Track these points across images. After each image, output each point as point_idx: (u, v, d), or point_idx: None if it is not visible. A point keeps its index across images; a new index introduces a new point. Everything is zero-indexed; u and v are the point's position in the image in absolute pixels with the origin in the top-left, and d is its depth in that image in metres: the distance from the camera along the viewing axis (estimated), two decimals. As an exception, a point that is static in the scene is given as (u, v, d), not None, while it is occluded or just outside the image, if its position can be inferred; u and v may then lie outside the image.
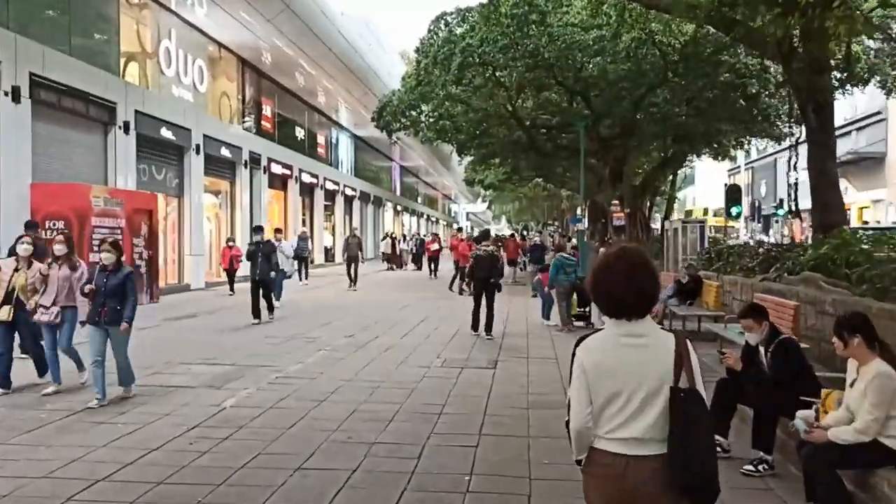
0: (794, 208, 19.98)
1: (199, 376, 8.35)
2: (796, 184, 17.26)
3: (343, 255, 22.21)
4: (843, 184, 42.44)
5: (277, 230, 16.14)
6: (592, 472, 2.60)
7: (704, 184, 74.04)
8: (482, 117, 26.22)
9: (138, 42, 19.55)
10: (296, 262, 24.74)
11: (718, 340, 9.96)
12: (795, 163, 18.53)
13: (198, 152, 21.50)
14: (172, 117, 20.03)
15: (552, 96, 26.60)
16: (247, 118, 26.74)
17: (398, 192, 57.87)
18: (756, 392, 5.39)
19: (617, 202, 47.87)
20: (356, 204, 42.40)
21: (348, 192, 40.08)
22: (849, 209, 45.51)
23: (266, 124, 28.66)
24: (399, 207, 56.98)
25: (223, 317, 14.66)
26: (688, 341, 2.57)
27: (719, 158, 38.99)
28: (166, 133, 19.69)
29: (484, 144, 28.84)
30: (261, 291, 13.66)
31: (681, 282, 13.32)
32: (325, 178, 35.21)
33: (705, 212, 59.36)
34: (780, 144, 29.04)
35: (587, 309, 13.78)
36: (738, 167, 62.02)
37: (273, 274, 14.11)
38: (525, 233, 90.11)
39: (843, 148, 45.02)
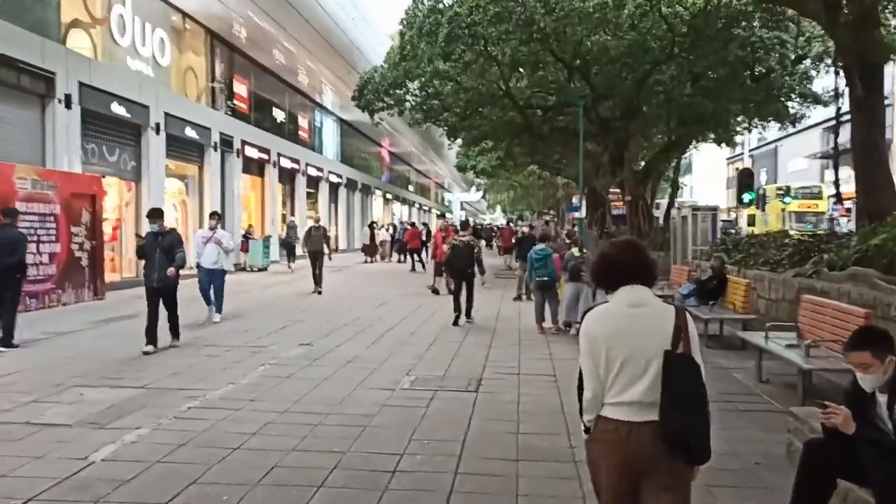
0: (836, 192, 18.00)
1: (86, 407, 6.37)
2: (836, 162, 15.22)
3: (304, 248, 18.47)
4: (848, 171, 40.95)
5: (213, 215, 13.11)
6: (598, 437, 2.73)
7: (702, 172, 72.19)
8: (473, 96, 24.18)
9: (84, 6, 17.45)
10: (286, 250, 25.74)
11: (758, 355, 8.01)
12: (836, 138, 16.49)
13: (157, 132, 19.46)
14: (126, 92, 17.97)
15: (548, 74, 24.58)
16: (217, 97, 24.63)
17: (388, 180, 55.77)
18: (880, 462, 3.42)
19: (617, 189, 45.99)
20: (342, 191, 40.35)
21: (333, 178, 38.02)
22: (853, 197, 44.12)
23: (240, 104, 26.58)
24: (389, 196, 54.91)
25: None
26: (687, 313, 2.75)
27: (723, 144, 37.14)
28: (119, 109, 17.64)
29: (475, 126, 26.79)
30: (162, 303, 9.46)
31: (701, 279, 11.36)
32: (307, 164, 33.15)
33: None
34: (794, 127, 26.94)
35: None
36: (741, 154, 60.22)
37: (172, 271, 9.32)
38: (519, 222, 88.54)
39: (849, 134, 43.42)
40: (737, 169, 29.46)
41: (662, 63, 22.55)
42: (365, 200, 45.54)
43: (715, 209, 19.61)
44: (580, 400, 2.80)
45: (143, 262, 9.75)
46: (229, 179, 24.65)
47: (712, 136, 31.38)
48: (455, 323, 11.94)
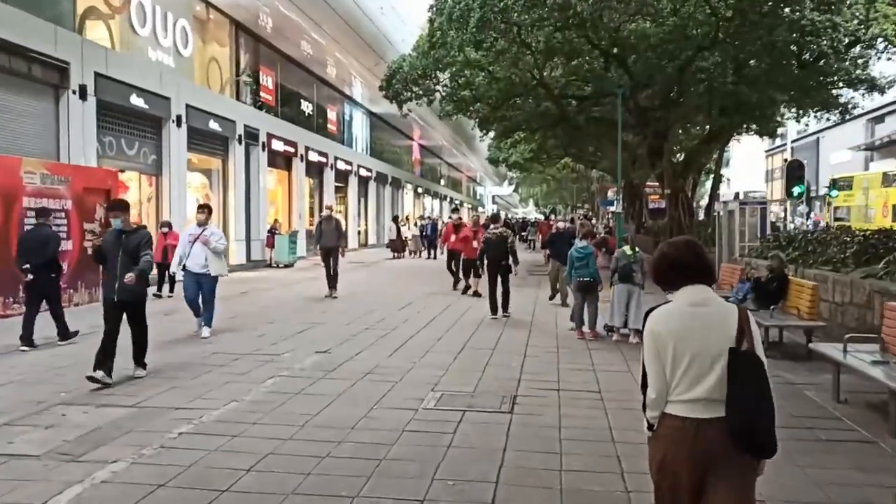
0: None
1: (64, 433, 5.58)
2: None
3: (315, 245, 16.63)
4: (893, 163, 38.74)
5: (202, 208, 10.66)
6: (665, 434, 2.76)
7: (740, 165, 70.07)
8: (505, 86, 23.14)
9: (101, -6, 16.84)
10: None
11: (835, 370, 6.96)
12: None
13: (178, 124, 18.81)
14: (146, 83, 17.33)
15: (584, 63, 23.46)
16: (242, 89, 23.95)
17: (419, 174, 54.93)
18: None
19: (655, 183, 44.60)
20: (372, 185, 39.61)
21: (363, 172, 37.28)
22: None
23: (266, 96, 25.90)
24: (420, 189, 54.08)
25: (176, 320, 11.94)
26: (748, 312, 2.79)
27: (764, 135, 35.64)
28: (138, 101, 17.01)
29: (507, 117, 25.75)
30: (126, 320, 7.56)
31: (760, 280, 10.28)
32: (335, 158, 32.42)
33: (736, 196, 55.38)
34: (847, 115, 25.44)
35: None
36: (781, 146, 58.20)
37: (131, 277, 7.18)
38: (553, 216, 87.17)
39: (894, 125, 41.47)
40: (785, 160, 27.86)
41: (705, 49, 21.32)
42: (395, 194, 44.79)
43: (764, 203, 18.43)
44: (644, 397, 2.88)
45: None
46: (255, 173, 23.99)
47: (755, 126, 30.05)
48: (493, 314, 12.24)
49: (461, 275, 16.19)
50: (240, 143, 22.49)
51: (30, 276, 9.29)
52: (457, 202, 72.60)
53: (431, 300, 14.80)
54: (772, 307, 9.66)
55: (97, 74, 15.41)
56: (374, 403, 6.59)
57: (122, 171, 17.39)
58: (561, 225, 14.64)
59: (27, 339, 9.14)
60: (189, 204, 20.92)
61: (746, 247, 17.59)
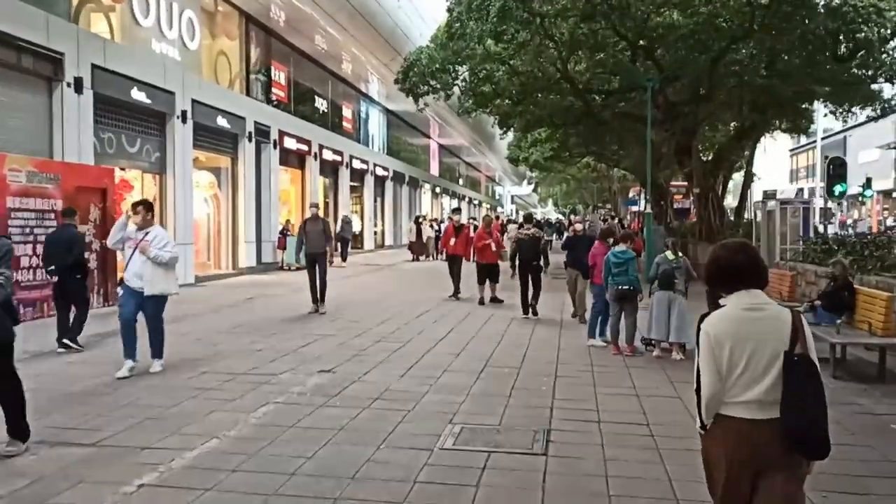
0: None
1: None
2: None
3: (298, 253, 14.10)
4: None
5: (138, 205, 8.07)
6: (718, 434, 2.81)
7: (763, 164, 68.20)
8: (528, 80, 22.01)
9: (100, -19, 15.94)
10: (339, 244, 25.53)
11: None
12: None
13: (184, 120, 17.87)
14: (148, 77, 16.40)
15: (609, 56, 22.26)
16: (252, 84, 23.01)
17: (437, 173, 53.90)
18: None
19: (682, 182, 43.13)
20: (389, 185, 38.61)
21: (379, 171, 36.28)
22: None
23: (278, 92, 24.94)
24: (438, 189, 53.03)
25: (171, 329, 10.96)
26: (802, 316, 2.84)
27: (796, 133, 34.24)
28: (139, 95, 16.07)
29: (529, 112, 24.61)
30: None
31: (828, 290, 9.11)
32: (351, 156, 31.43)
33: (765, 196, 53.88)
34: (889, 112, 24.02)
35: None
36: (813, 142, 56.48)
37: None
38: (572, 217, 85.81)
39: None
40: (826, 157, 26.33)
41: (739, 40, 20.10)
42: (413, 194, 43.75)
43: (808, 202, 17.16)
44: (698, 399, 2.88)
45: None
46: (266, 172, 23.03)
47: (785, 124, 28.71)
48: (525, 314, 12.43)
49: (476, 282, 14.91)
50: (250, 140, 21.53)
51: (55, 279, 9.28)
52: (469, 201, 71.61)
53: (450, 307, 13.74)
54: (838, 321, 8.48)
55: (94, 66, 14.48)
56: (381, 441, 5.53)
57: (123, 169, 16.53)
58: (579, 227, 12.95)
59: (61, 339, 9.14)
60: (196, 204, 20.08)
61: (788, 250, 16.38)
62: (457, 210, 17.93)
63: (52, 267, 9.21)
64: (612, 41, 21.82)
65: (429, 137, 51.26)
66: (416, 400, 6.82)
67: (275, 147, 23.42)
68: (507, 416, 6.33)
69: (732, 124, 29.58)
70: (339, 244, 26.80)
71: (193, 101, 18.25)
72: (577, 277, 11.84)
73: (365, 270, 23.63)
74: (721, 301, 2.93)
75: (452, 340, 10.20)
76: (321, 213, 16.78)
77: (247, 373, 7.90)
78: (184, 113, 17.81)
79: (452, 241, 15.36)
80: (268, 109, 23.31)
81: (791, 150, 64.35)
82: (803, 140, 59.47)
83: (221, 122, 19.82)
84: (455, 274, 15.40)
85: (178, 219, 17.69)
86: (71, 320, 9.29)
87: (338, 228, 28.21)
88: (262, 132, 22.44)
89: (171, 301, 8.31)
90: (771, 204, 17.65)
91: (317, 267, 13.05)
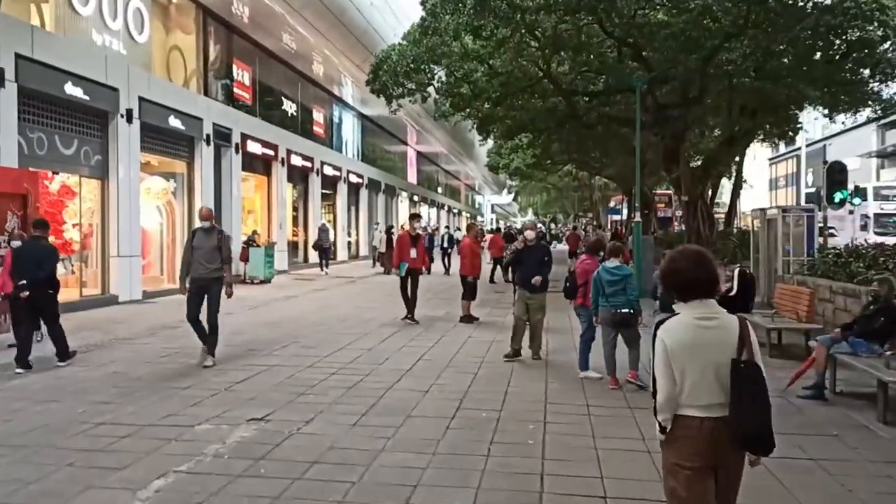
0: None
1: None
2: None
3: (182, 280, 9.50)
4: None
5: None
6: (683, 434, 3.01)
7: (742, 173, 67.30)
8: (509, 80, 20.55)
9: (27, -38, 14.25)
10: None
11: None
12: None
13: (129, 120, 16.17)
14: (86, 70, 14.71)
15: (595, 55, 20.87)
16: (211, 83, 21.35)
17: (415, 181, 52.34)
18: None
19: (667, 191, 41.85)
20: (363, 193, 36.97)
21: (353, 178, 34.66)
22: None
23: (241, 93, 23.29)
24: (416, 198, 51.46)
25: (87, 358, 9.29)
26: (748, 323, 3.08)
27: (785, 138, 33.17)
28: (75, 91, 14.37)
29: (510, 116, 23.17)
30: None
31: (866, 313, 7.65)
32: (322, 162, 29.79)
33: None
34: (889, 112, 22.85)
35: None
36: (792, 151, 55.69)
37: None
38: (552, 226, 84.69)
39: None
40: (823, 162, 25.02)
41: (733, 37, 18.81)
42: (389, 203, 42.13)
43: (812, 210, 15.79)
44: (655, 403, 3.08)
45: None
46: (227, 178, 21.37)
47: (775, 129, 27.55)
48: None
49: (463, 298, 13.39)
50: (208, 143, 19.85)
51: (25, 293, 8.72)
52: (449, 210, 70.23)
53: (419, 329, 12.13)
54: (885, 349, 7.02)
55: (19, 57, 12.80)
56: (306, 541, 3.94)
57: (56, 173, 14.82)
58: (531, 235, 10.06)
59: (23, 360, 8.61)
60: (148, 213, 18.39)
61: (791, 262, 14.99)
62: (416, 216, 14.52)
63: (24, 282, 8.68)
64: (597, 40, 20.46)
65: (406, 144, 49.74)
66: (366, 464, 5.24)
67: (237, 151, 21.76)
68: (483, 491, 4.76)
69: (717, 131, 28.42)
70: (318, 253, 26.58)
71: (141, 98, 16.57)
72: (527, 301, 9.38)
73: (335, 283, 22.00)
74: (675, 307, 3.15)
75: (421, 372, 8.62)
76: (259, 229, 14.97)
77: (155, 423, 6.27)
78: (129, 112, 16.12)
79: (413, 252, 13.08)
80: (229, 111, 21.65)
81: (770, 160, 63.63)
82: (782, 149, 58.79)
83: (174, 122, 18.14)
84: (412, 292, 13.14)
85: (123, 229, 15.97)
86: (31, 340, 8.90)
87: (316, 237, 27.61)
88: (222, 135, 20.77)
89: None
90: (771, 212, 16.27)
91: (204, 297, 9.07)
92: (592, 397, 7.42)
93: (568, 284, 9.01)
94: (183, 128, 18.53)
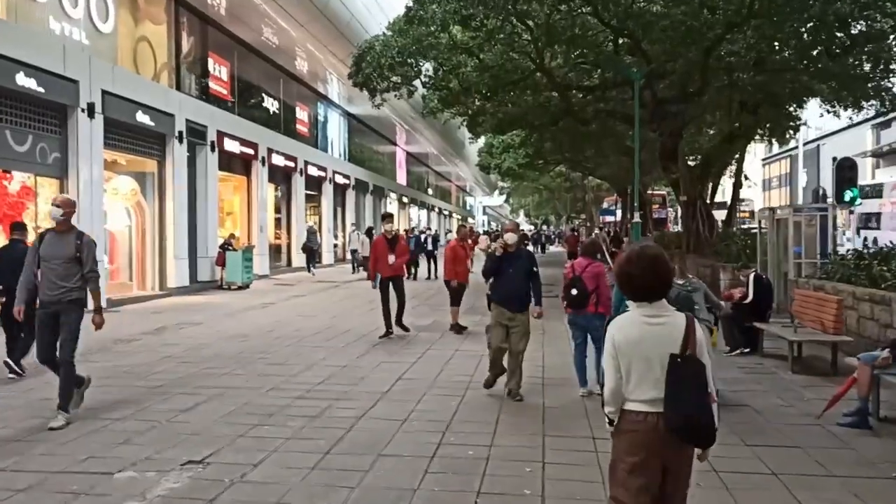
0: None
1: None
2: None
3: (22, 298, 6.73)
4: None
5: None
6: (626, 427, 3.09)
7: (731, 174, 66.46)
8: (499, 72, 19.46)
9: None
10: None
11: None
12: None
13: (91, 114, 15.01)
14: (41, 61, 13.55)
15: (593, 48, 19.79)
16: (184, 77, 20.18)
17: (404, 182, 51.20)
18: None
19: (661, 192, 40.80)
20: (350, 194, 35.81)
21: (340, 179, 33.51)
22: None
23: (218, 88, 22.12)
24: (405, 199, 50.33)
25: (19, 387, 8.13)
26: (695, 320, 3.14)
27: (785, 135, 32.19)
28: (27, 82, 13.21)
29: (501, 110, 22.08)
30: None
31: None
32: (306, 162, 28.64)
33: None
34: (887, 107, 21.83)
35: None
36: (786, 151, 54.86)
37: None
38: (544, 227, 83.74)
39: None
40: (831, 158, 23.79)
41: (736, 27, 17.78)
42: (377, 204, 40.97)
43: (825, 208, 14.74)
44: (602, 396, 3.19)
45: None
46: (202, 178, 20.19)
47: (779, 125, 26.56)
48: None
49: (451, 304, 12.27)
50: (181, 141, 18.67)
51: (3, 299, 8.39)
52: (440, 211, 69.21)
53: (400, 345, 10.98)
54: (945, 374, 5.96)
55: (-38, 44, 11.65)
56: None
57: (8, 171, 13.64)
58: (511, 238, 7.56)
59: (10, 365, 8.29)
60: (115, 215, 17.24)
61: (803, 264, 13.94)
62: (388, 217, 12.32)
63: (0, 287, 8.30)
64: (592, 33, 19.38)
65: (395, 145, 48.62)
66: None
67: (213, 150, 20.58)
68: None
69: (716, 128, 27.45)
70: (306, 256, 26.14)
71: (104, 92, 15.40)
72: (508, 322, 7.34)
73: (318, 288, 20.85)
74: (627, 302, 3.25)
75: (399, 395, 7.50)
76: (238, 231, 13.75)
77: (67, 470, 5.11)
78: (90, 106, 14.95)
79: (391, 258, 11.25)
80: (204, 107, 20.47)
81: (763, 160, 62.84)
82: (776, 149, 57.99)
83: (143, 118, 16.96)
84: (399, 299, 11.57)
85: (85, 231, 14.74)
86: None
87: (305, 239, 27.06)
88: (196, 132, 19.60)
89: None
90: (782, 211, 15.21)
91: (57, 331, 6.51)
92: (599, 426, 6.30)
93: (575, 293, 7.68)
94: (152, 124, 17.35)
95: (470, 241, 21.66)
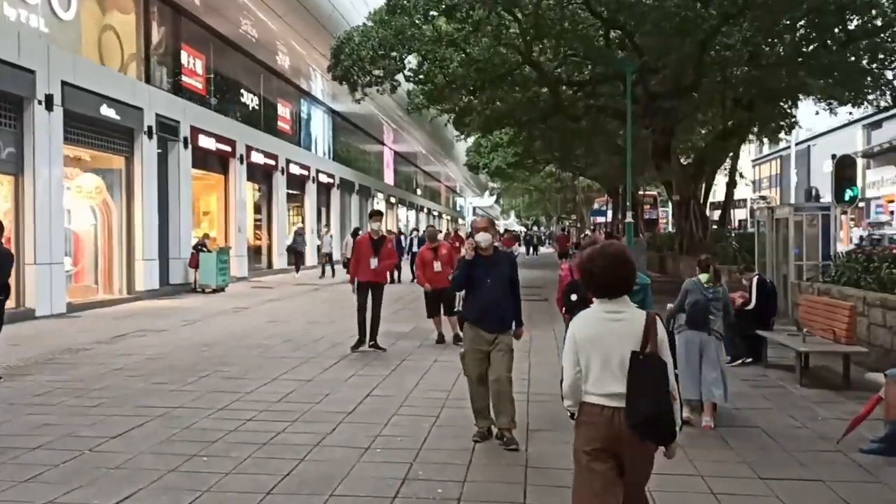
0: None
1: None
2: None
3: None
4: (892, 171, 34.68)
5: None
6: (585, 420, 3.13)
7: (722, 175, 65.74)
8: (486, 66, 18.63)
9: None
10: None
11: None
12: None
13: (49, 107, 14.07)
14: (-7, 48, 12.64)
15: (582, 39, 18.99)
16: (155, 70, 19.25)
17: (392, 182, 50.31)
18: None
19: (655, 192, 39.97)
20: (335, 194, 34.90)
21: (324, 178, 32.60)
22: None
23: (192, 82, 21.19)
24: (393, 199, 49.43)
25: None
26: (657, 317, 3.17)
27: (779, 133, 31.54)
28: (-24, 71, 12.29)
29: (489, 107, 21.26)
30: None
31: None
32: (288, 160, 27.73)
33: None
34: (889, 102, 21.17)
35: None
36: (777, 151, 54.40)
37: None
38: (535, 228, 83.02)
39: (893, 131, 37.62)
40: (830, 156, 22.98)
41: (731, 18, 17.04)
42: (364, 204, 40.06)
43: (827, 207, 13.99)
44: (562, 389, 3.22)
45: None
46: (174, 176, 19.27)
47: (774, 122, 25.90)
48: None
49: (429, 313, 11.18)
50: (150, 136, 17.74)
51: None
52: (429, 212, 68.41)
53: (374, 354, 10.09)
54: None
55: None
56: None
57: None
58: (484, 240, 5.88)
59: None
60: (80, 214, 16.34)
61: (805, 266, 13.17)
62: (376, 214, 10.85)
63: None
64: (582, 27, 18.57)
65: (382, 144, 47.72)
66: None
67: (186, 146, 19.66)
68: None
69: (709, 126, 26.75)
70: (294, 257, 25.64)
71: (64, 83, 14.47)
72: (489, 347, 5.82)
73: (298, 291, 19.98)
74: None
75: (365, 416, 6.64)
76: (214, 232, 12.76)
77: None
78: (49, 98, 14.02)
79: (374, 261, 9.99)
80: (176, 101, 19.53)
81: (754, 161, 62.43)
82: (766, 150, 57.50)
83: (108, 112, 16.03)
84: (374, 311, 10.19)
85: (41, 232, 13.84)
86: None
87: (289, 241, 26.64)
88: (167, 128, 18.68)
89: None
90: (781, 211, 14.46)
91: None
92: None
93: (576, 298, 6.80)
94: (118, 118, 16.42)
95: (456, 244, 20.87)
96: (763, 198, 46.74)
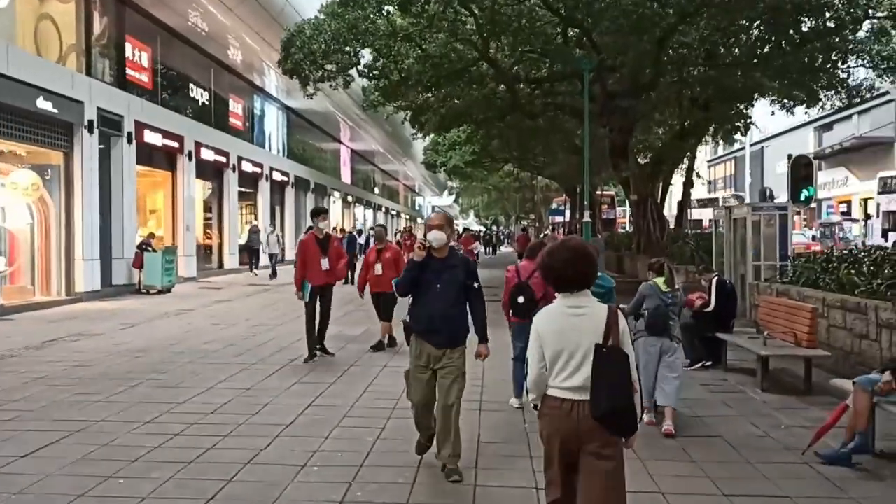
0: None
1: None
2: None
3: None
4: (842, 172, 35.28)
5: None
6: (547, 412, 3.19)
7: (678, 176, 66.40)
8: (442, 62, 18.23)
9: None
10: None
11: None
12: None
13: (-25, 98, 13.26)
14: (-87, 34, 11.79)
15: (539, 35, 18.71)
16: (96, 61, 18.41)
17: (349, 181, 49.61)
18: None
19: (611, 192, 40.05)
20: (290, 192, 34.15)
21: (278, 176, 31.85)
22: (849, 200, 38.82)
23: (137, 76, 20.35)
24: (350, 198, 48.74)
25: None
26: (619, 311, 3.23)
27: (736, 133, 31.76)
28: None
29: (445, 105, 20.86)
30: None
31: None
32: (239, 157, 26.96)
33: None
34: (855, 99, 21.37)
35: None
36: (731, 152, 55.10)
37: None
38: (494, 228, 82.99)
39: (843, 133, 38.45)
40: (787, 155, 22.90)
41: (689, 17, 16.94)
42: (319, 203, 39.33)
43: (785, 207, 13.90)
44: (527, 382, 3.29)
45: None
46: (117, 172, 18.45)
47: (730, 122, 25.98)
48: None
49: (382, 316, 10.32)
50: (90, 131, 16.91)
51: None
52: (387, 211, 67.88)
53: (321, 360, 9.59)
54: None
55: None
56: None
57: None
58: (437, 236, 5.02)
59: None
60: (14, 212, 15.49)
61: (763, 266, 13.05)
62: (320, 212, 9.74)
63: None
64: (540, 24, 18.27)
65: (339, 141, 47.00)
66: None
67: (130, 141, 18.84)
68: None
69: (666, 127, 26.77)
70: (248, 255, 25.64)
71: (-7, 73, 13.66)
72: (435, 361, 5.08)
73: (247, 292, 19.34)
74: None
75: (305, 429, 6.17)
76: (162, 231, 12.13)
77: None
78: (-23, 88, 13.21)
79: (324, 262, 9.15)
80: (119, 95, 18.70)
81: (709, 162, 63.22)
82: (721, 151, 58.28)
83: (44, 105, 15.20)
84: (323, 316, 9.48)
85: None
86: None
87: (244, 239, 26.55)
88: (110, 122, 17.86)
89: None
90: (739, 210, 14.33)
91: None
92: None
93: (522, 300, 6.44)
94: (56, 111, 15.59)
95: (408, 243, 20.56)
96: (737, 196, 47.19)
